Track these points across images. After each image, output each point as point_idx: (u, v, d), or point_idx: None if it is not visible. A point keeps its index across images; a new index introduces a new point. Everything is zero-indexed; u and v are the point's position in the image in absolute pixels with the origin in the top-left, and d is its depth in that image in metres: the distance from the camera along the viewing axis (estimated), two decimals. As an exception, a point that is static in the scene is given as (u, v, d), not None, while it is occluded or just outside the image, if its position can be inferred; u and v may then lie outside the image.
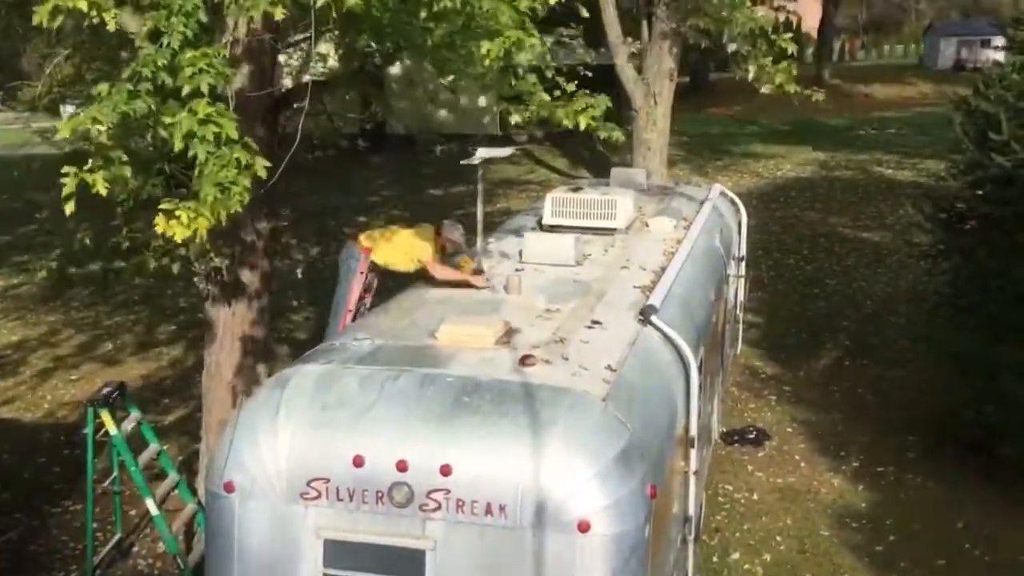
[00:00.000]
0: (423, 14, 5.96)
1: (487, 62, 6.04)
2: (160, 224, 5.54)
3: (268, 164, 5.82)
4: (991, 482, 9.76)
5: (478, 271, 7.79)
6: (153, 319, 15.40)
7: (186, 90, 5.51)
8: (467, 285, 7.56)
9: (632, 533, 5.14)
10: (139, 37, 5.79)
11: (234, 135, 5.55)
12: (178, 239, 5.53)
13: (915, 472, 10.19)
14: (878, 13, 68.88)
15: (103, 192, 5.61)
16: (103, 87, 5.66)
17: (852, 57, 59.63)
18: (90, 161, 5.66)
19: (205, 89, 5.49)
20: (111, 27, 5.67)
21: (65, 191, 5.47)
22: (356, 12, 5.73)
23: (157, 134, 6.00)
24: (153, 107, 5.64)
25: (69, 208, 5.50)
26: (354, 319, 8.19)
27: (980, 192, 10.12)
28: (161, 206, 5.60)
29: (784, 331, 14.41)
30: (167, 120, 5.60)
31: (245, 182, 5.60)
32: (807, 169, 24.82)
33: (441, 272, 7.74)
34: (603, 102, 7.46)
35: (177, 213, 5.51)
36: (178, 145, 5.53)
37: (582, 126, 7.30)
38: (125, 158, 5.88)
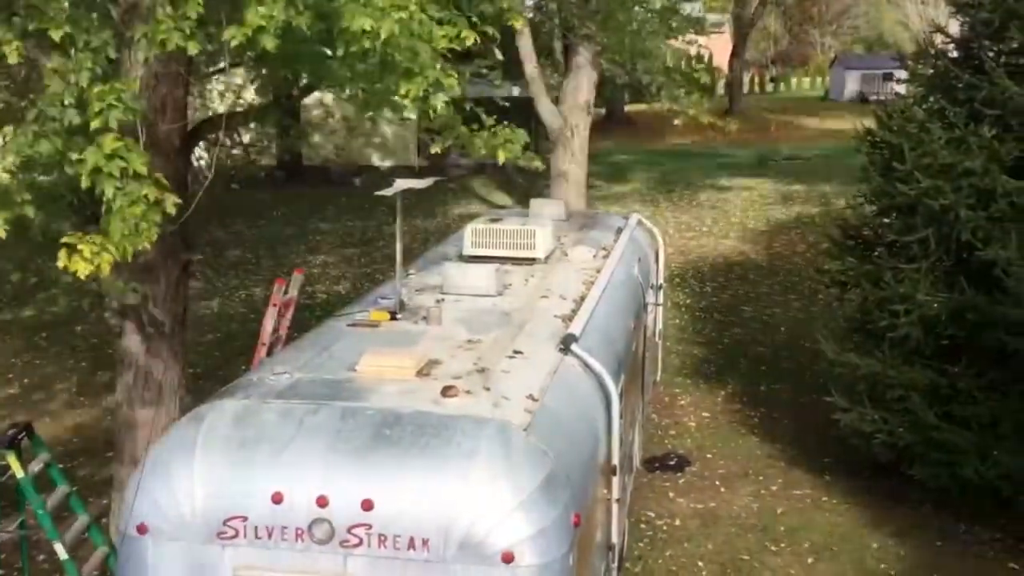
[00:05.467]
0: (340, 52, 5.94)
1: (406, 101, 6.06)
2: (62, 259, 5.40)
3: (179, 200, 5.73)
4: (903, 503, 10.01)
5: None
6: (85, 367, 14.86)
7: (94, 125, 5.40)
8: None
9: (556, 563, 5.13)
10: (46, 75, 5.67)
11: (142, 170, 5.45)
12: (81, 275, 5.40)
13: (831, 495, 10.40)
14: (785, 47, 70.97)
15: (1, 235, 5.47)
16: (7, 129, 5.53)
17: (761, 90, 61.24)
18: None
19: (114, 124, 5.39)
20: (12, 60, 5.55)
21: None
22: (272, 50, 5.69)
23: (64, 171, 5.86)
24: (60, 146, 5.52)
25: None
26: (268, 353, 8.07)
27: (886, 220, 10.44)
28: (64, 239, 5.46)
29: (702, 358, 14.63)
30: (74, 157, 5.48)
31: (155, 218, 5.50)
32: (720, 199, 25.31)
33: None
34: (521, 137, 7.54)
35: (80, 247, 5.37)
36: (85, 182, 5.40)
37: (500, 160, 7.36)
38: (29, 197, 5.74)
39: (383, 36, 5.56)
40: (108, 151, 5.37)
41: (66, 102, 5.46)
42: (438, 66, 6.04)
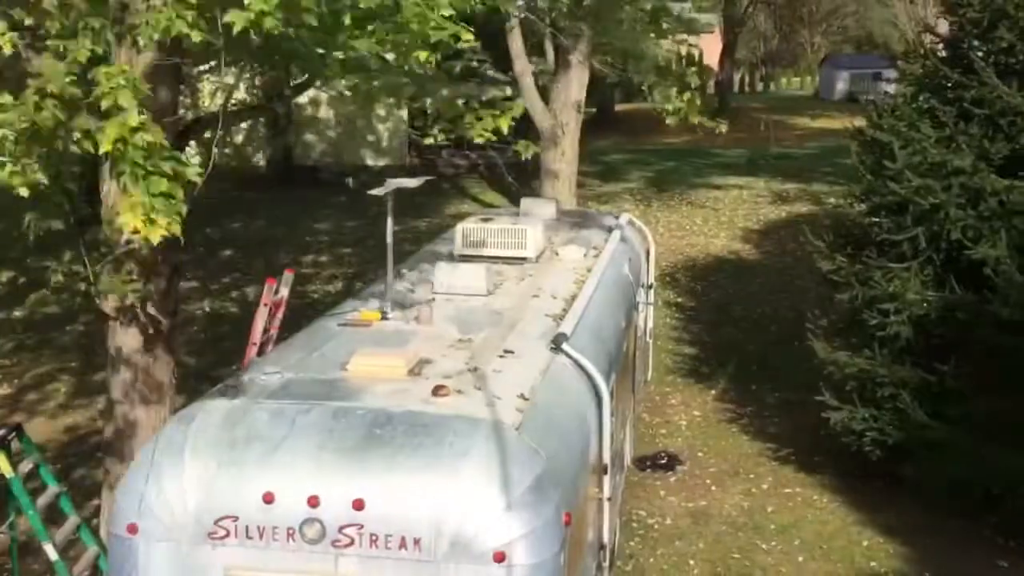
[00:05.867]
0: (347, 20, 5.93)
1: (424, 55, 6.04)
2: (132, 220, 5.38)
3: (200, 170, 5.73)
4: (893, 500, 10.04)
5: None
6: (77, 367, 14.75)
7: (105, 104, 5.39)
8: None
9: (548, 562, 5.13)
10: (44, 57, 5.68)
11: (165, 144, 5.46)
12: (154, 239, 5.43)
13: (821, 493, 10.43)
14: (775, 47, 71.08)
15: (23, 192, 5.51)
16: (7, 98, 5.52)
17: (752, 89, 61.41)
18: (7, 167, 5.54)
19: (125, 103, 5.39)
20: (7, 50, 5.54)
21: None
22: (274, 34, 5.67)
23: (67, 147, 5.86)
24: (62, 118, 5.52)
25: None
26: (259, 353, 8.04)
27: (876, 219, 10.48)
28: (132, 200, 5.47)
29: (693, 357, 14.65)
30: (77, 134, 5.49)
31: (179, 193, 5.51)
32: (711, 198, 25.34)
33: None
34: (519, 106, 7.53)
35: (152, 216, 5.38)
36: (106, 147, 5.40)
37: (504, 129, 7.36)
38: (36, 166, 5.75)
39: None
40: (133, 124, 5.37)
41: (67, 78, 5.46)
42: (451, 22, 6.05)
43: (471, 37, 6.01)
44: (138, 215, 5.39)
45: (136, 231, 5.42)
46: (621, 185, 27.47)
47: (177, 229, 5.49)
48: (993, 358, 9.33)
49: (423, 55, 5.96)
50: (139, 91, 5.47)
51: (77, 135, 5.51)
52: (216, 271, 19.30)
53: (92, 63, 5.51)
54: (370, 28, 6.24)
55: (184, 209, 5.54)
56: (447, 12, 5.90)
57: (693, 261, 19.64)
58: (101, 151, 5.44)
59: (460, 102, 7.87)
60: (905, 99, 10.72)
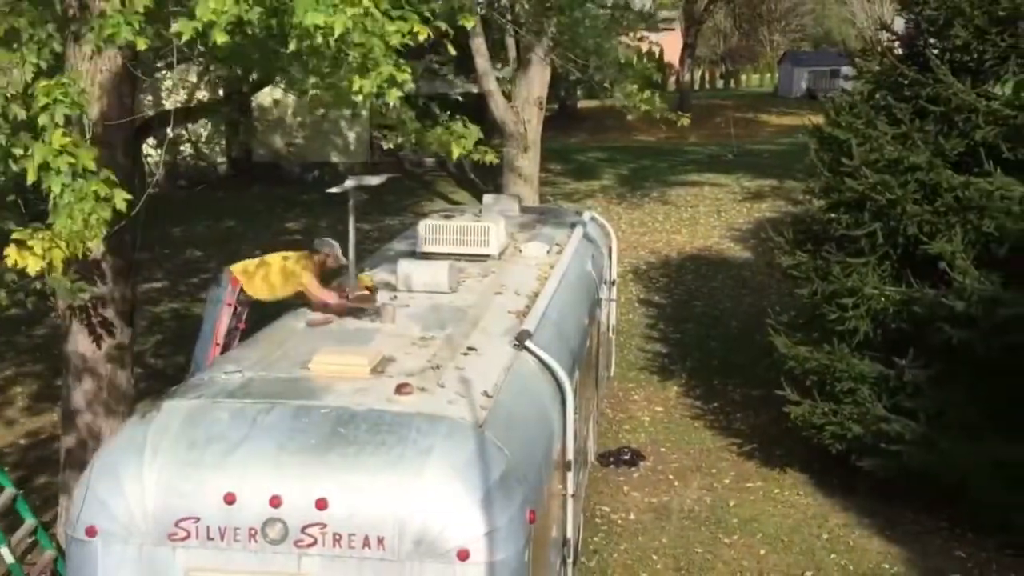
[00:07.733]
0: (292, 47, 5.88)
1: (360, 98, 6.00)
2: (11, 255, 5.28)
3: (129, 197, 5.63)
4: (853, 493, 10.17)
5: (370, 289, 7.66)
6: (39, 371, 14.48)
7: (41, 122, 5.30)
8: (355, 310, 7.44)
9: (512, 559, 5.14)
10: None
11: (91, 166, 5.36)
12: (31, 271, 5.28)
13: (782, 487, 10.53)
14: (735, 44, 71.58)
15: None
16: None
17: (712, 87, 61.77)
18: None
19: (60, 120, 5.29)
20: None
21: None
22: (222, 45, 5.62)
23: (8, 166, 5.74)
24: (3, 143, 5.41)
25: None
26: (223, 352, 7.98)
27: (835, 215, 10.58)
28: (13, 236, 5.34)
29: (655, 353, 14.73)
30: (18, 152, 5.36)
31: (104, 215, 5.40)
32: (673, 194, 25.49)
33: (328, 298, 7.61)
34: (474, 133, 7.54)
35: (30, 244, 5.26)
36: (31, 177, 5.30)
37: (453, 156, 7.37)
38: None
39: (336, 32, 5.50)
40: (56, 147, 5.28)
41: (9, 95, 5.36)
42: (391, 61, 5.99)
43: (408, 78, 5.98)
44: (14, 252, 5.28)
45: (14, 265, 5.31)
46: (588, 183, 27.53)
47: (58, 265, 5.36)
48: (949, 352, 9.46)
49: (366, 86, 5.88)
50: (77, 105, 5.38)
51: (18, 152, 5.39)
52: (180, 271, 19.09)
53: (37, 77, 5.41)
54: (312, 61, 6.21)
55: (103, 232, 5.43)
56: (395, 41, 5.85)
57: (655, 257, 19.74)
58: (28, 181, 5.33)
59: (420, 102, 7.86)
60: (862, 96, 10.83)
